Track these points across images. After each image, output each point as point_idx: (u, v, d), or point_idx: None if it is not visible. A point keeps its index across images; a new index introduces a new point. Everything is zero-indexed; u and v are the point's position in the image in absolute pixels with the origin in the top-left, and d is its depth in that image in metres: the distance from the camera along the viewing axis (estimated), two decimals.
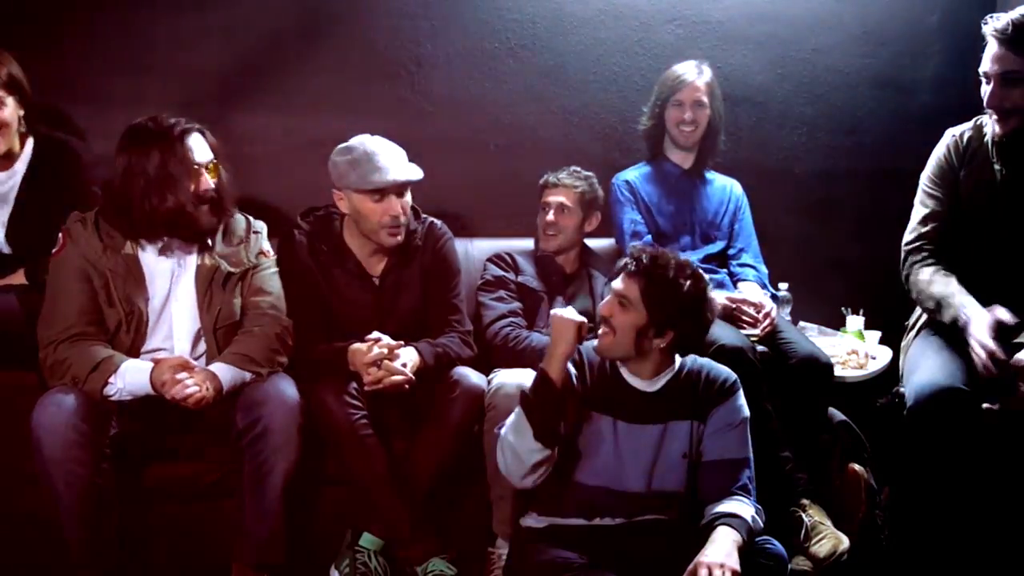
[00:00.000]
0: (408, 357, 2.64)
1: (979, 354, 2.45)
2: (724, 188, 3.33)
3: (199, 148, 2.55)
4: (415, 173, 2.76)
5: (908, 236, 2.76)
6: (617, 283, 2.30)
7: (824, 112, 3.70)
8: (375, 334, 2.64)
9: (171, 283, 2.59)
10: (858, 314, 3.40)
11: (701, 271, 2.33)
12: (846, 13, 3.66)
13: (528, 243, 3.19)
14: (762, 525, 2.27)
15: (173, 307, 2.59)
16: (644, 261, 2.26)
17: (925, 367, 2.59)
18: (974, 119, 2.72)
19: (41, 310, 2.53)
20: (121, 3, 3.21)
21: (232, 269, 2.65)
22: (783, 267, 3.38)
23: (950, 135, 2.74)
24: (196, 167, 2.53)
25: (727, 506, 2.26)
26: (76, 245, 2.53)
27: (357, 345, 2.63)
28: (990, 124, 2.63)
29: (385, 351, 2.60)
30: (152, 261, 2.59)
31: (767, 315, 3.01)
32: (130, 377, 2.43)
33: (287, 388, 2.52)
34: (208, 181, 2.55)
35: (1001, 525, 2.61)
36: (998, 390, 2.49)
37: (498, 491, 2.62)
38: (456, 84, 3.45)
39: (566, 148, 3.39)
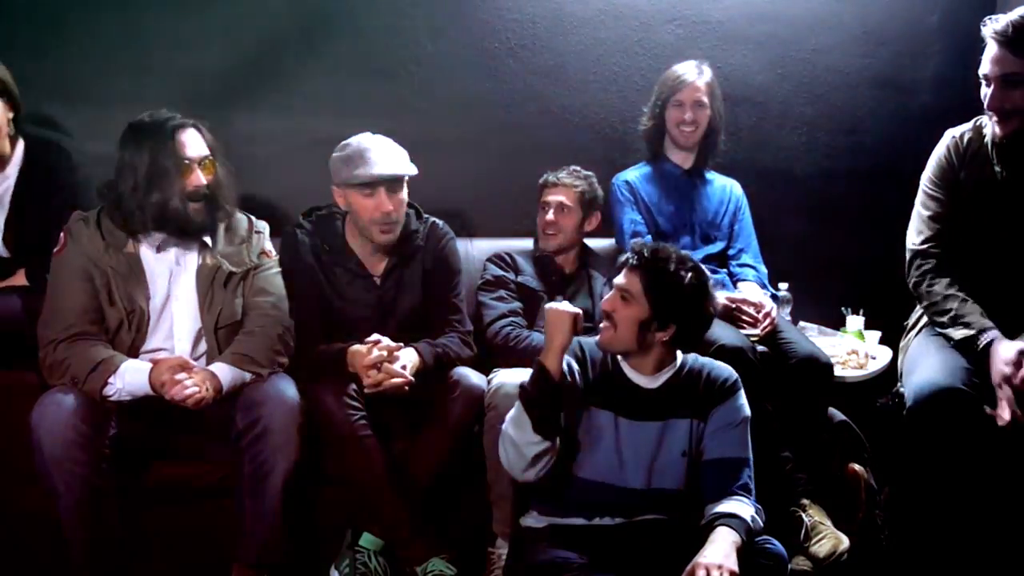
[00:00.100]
0: (408, 358, 2.64)
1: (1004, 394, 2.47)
2: (724, 188, 3.33)
3: (192, 144, 2.54)
4: (405, 169, 2.73)
5: (915, 239, 2.74)
6: (619, 278, 2.33)
7: (824, 112, 3.70)
8: (374, 336, 2.64)
9: (172, 282, 2.59)
10: (858, 314, 3.41)
11: (701, 265, 2.35)
12: (846, 13, 3.66)
13: (528, 243, 3.19)
14: (762, 525, 2.27)
15: (174, 306, 2.59)
16: (646, 255, 2.29)
17: (925, 367, 2.59)
18: (974, 120, 2.71)
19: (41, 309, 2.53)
20: (121, 3, 3.21)
21: (234, 269, 2.65)
22: (783, 267, 3.38)
23: (950, 136, 2.73)
24: (187, 162, 2.52)
25: (727, 506, 2.26)
26: (78, 244, 2.54)
27: (357, 347, 2.63)
28: (990, 125, 2.62)
29: (385, 354, 2.60)
30: (153, 260, 2.59)
31: (767, 315, 3.01)
32: (129, 377, 2.43)
33: (287, 388, 2.52)
34: (200, 177, 2.55)
35: (1001, 525, 2.60)
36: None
37: (498, 491, 2.62)
38: (456, 84, 3.45)
39: (566, 148, 3.38)
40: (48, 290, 2.55)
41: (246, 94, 3.31)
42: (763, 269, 3.29)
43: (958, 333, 2.59)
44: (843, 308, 3.45)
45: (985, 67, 2.52)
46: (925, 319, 2.78)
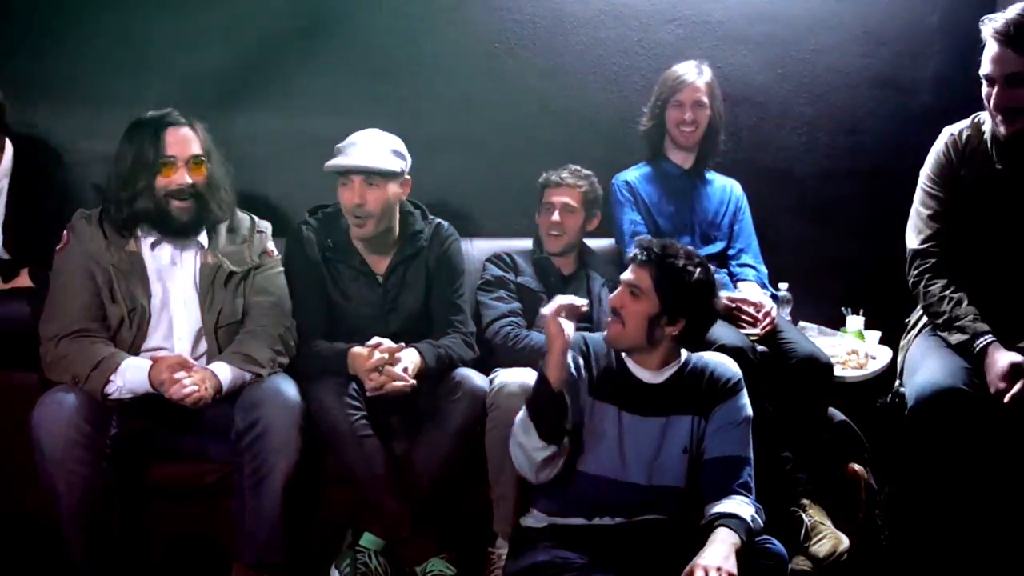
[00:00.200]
0: (409, 359, 2.64)
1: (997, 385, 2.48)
2: (724, 188, 3.33)
3: (178, 142, 2.55)
4: (376, 162, 2.70)
5: (914, 237, 2.73)
6: (627, 274, 2.35)
7: (824, 112, 3.70)
8: (375, 339, 2.64)
9: (170, 281, 2.60)
10: (858, 314, 3.41)
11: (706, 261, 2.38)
12: (846, 13, 3.65)
13: (527, 243, 3.18)
14: (762, 525, 2.27)
15: (173, 306, 2.60)
16: (655, 250, 2.32)
17: (926, 367, 2.59)
18: (972, 117, 2.70)
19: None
20: (121, 3, 3.21)
21: (235, 268, 2.65)
22: (783, 267, 3.38)
23: (948, 133, 2.72)
24: (170, 159, 2.53)
25: (727, 505, 2.27)
26: (79, 241, 2.54)
27: (358, 349, 2.63)
28: (989, 123, 2.62)
29: (386, 356, 2.60)
30: (155, 258, 2.60)
31: (767, 315, 3.01)
32: (130, 375, 2.44)
33: (287, 388, 2.53)
34: (184, 176, 2.54)
35: (1001, 525, 2.60)
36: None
37: (499, 491, 2.62)
38: (456, 84, 3.45)
39: (566, 148, 3.38)
40: (50, 287, 2.56)
41: (246, 94, 3.31)
42: (763, 269, 3.29)
43: (953, 338, 2.60)
44: (843, 308, 3.45)
45: (986, 67, 2.50)
46: (926, 318, 2.78)
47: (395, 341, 2.65)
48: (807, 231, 3.71)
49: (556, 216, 3.05)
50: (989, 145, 2.64)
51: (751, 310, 3.02)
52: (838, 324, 3.42)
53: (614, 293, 2.37)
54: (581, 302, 2.33)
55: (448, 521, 2.69)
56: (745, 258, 3.28)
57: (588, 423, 2.34)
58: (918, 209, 2.75)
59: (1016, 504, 2.60)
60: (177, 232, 2.59)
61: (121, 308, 2.53)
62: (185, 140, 2.56)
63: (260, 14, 3.30)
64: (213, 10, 3.25)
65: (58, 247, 2.57)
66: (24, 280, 2.79)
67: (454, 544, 2.64)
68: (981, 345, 2.53)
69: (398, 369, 2.59)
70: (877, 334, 3.36)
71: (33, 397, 2.39)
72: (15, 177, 2.79)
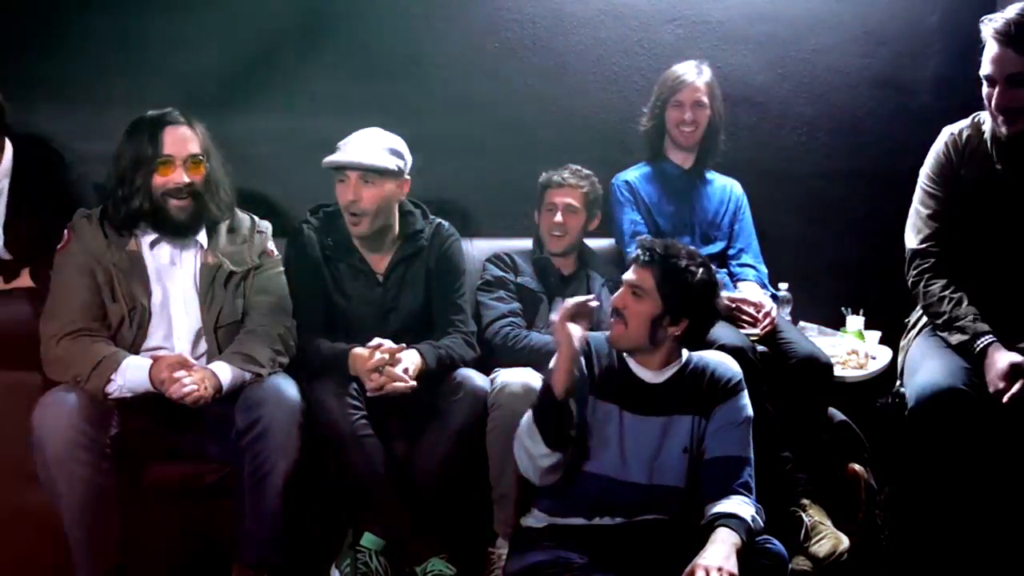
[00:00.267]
0: (410, 360, 2.64)
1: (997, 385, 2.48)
2: (724, 188, 3.33)
3: (176, 140, 2.55)
4: (368, 159, 2.69)
5: (914, 237, 2.73)
6: (629, 274, 2.35)
7: (824, 112, 3.70)
8: (376, 340, 2.63)
9: (169, 280, 2.60)
10: (858, 314, 3.41)
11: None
12: (846, 13, 3.65)
13: (527, 243, 3.18)
14: (762, 525, 2.27)
15: (173, 305, 2.60)
16: (658, 250, 2.32)
17: (926, 368, 2.59)
18: (972, 116, 2.70)
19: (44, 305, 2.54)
20: (120, 3, 3.21)
21: (235, 268, 2.65)
22: (783, 267, 3.38)
23: (948, 133, 2.71)
24: (167, 158, 2.53)
25: (727, 505, 2.27)
26: (81, 240, 2.55)
27: (359, 350, 2.63)
28: (989, 123, 2.61)
29: (387, 357, 2.59)
30: (155, 258, 2.60)
31: (767, 315, 3.01)
32: (130, 374, 2.44)
33: (287, 388, 2.52)
34: (181, 175, 2.55)
35: (1001, 525, 2.60)
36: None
37: (500, 490, 2.62)
38: (456, 84, 3.45)
39: (566, 148, 3.37)
40: (51, 286, 2.56)
41: (246, 94, 3.31)
42: (763, 269, 3.29)
43: (954, 338, 2.60)
44: (843, 308, 3.45)
45: (987, 68, 2.49)
46: (926, 319, 2.77)
47: (395, 340, 2.65)
48: (807, 231, 3.71)
49: (559, 217, 3.04)
50: (989, 145, 2.63)
51: (751, 310, 3.02)
52: (838, 324, 3.42)
53: (616, 294, 2.37)
54: (590, 299, 2.33)
55: (448, 521, 2.69)
56: (745, 258, 3.29)
57: (590, 422, 2.35)
58: (917, 209, 2.75)
59: (1016, 504, 2.60)
60: (175, 231, 2.59)
61: (121, 307, 2.53)
62: (183, 139, 2.56)
63: (260, 14, 3.30)
64: (213, 10, 3.25)
65: (59, 246, 2.57)
66: (25, 280, 2.79)
67: (454, 544, 2.64)
68: (981, 345, 2.52)
69: (398, 370, 2.59)
70: (877, 334, 3.36)
71: (35, 397, 2.39)
72: (15, 177, 2.79)
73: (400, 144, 2.80)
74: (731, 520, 2.22)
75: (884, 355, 3.22)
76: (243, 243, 2.71)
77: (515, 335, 2.88)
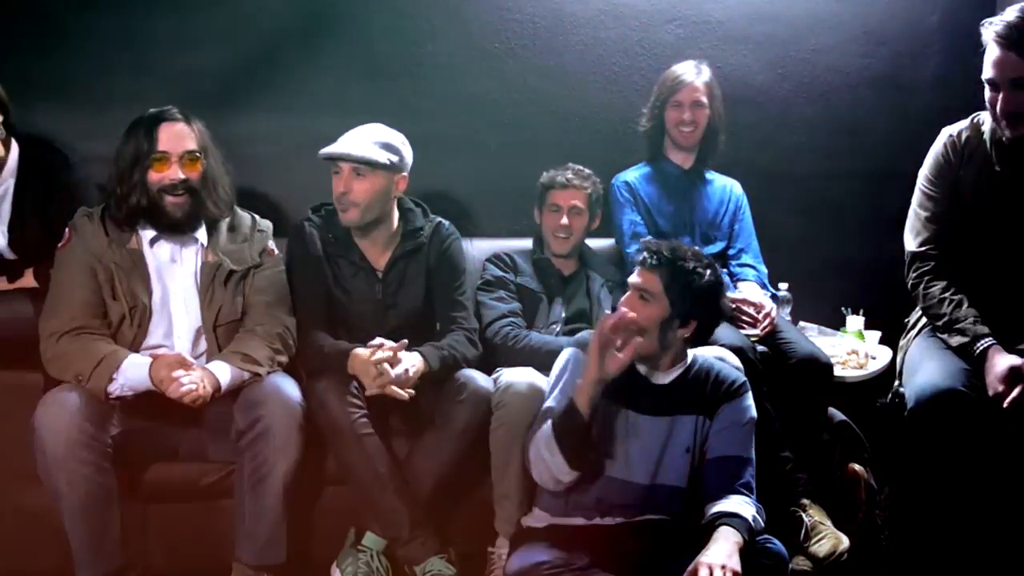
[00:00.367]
0: (411, 362, 2.63)
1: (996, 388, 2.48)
2: (724, 188, 3.33)
3: (172, 137, 2.55)
4: (357, 150, 2.70)
5: (912, 240, 2.73)
6: (635, 278, 2.34)
7: (824, 112, 3.70)
8: (377, 340, 2.63)
9: (169, 278, 2.60)
10: (858, 314, 3.41)
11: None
12: (846, 13, 3.65)
13: (527, 243, 3.18)
14: (763, 525, 2.28)
15: (173, 303, 2.60)
16: (664, 253, 2.31)
17: (926, 369, 2.59)
18: (972, 117, 2.69)
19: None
20: (121, 3, 3.21)
21: (235, 267, 2.65)
22: (783, 267, 3.38)
23: (947, 134, 2.70)
24: (163, 154, 2.53)
25: (729, 504, 2.27)
26: (81, 239, 2.55)
27: (360, 350, 2.62)
28: (988, 124, 2.61)
29: (389, 354, 2.59)
30: (155, 256, 2.60)
31: (767, 315, 3.01)
32: (131, 373, 2.44)
33: (287, 388, 2.52)
34: (177, 172, 2.55)
35: (1001, 525, 2.60)
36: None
37: (503, 490, 2.61)
38: (456, 84, 3.45)
39: (566, 148, 3.38)
40: (51, 284, 2.56)
41: (246, 94, 3.31)
42: (763, 269, 3.29)
43: (954, 340, 2.60)
44: (843, 308, 3.45)
45: (989, 72, 2.46)
46: (925, 319, 2.77)
47: (395, 336, 2.64)
48: (807, 231, 3.71)
49: (564, 220, 3.04)
50: (989, 146, 2.62)
51: (751, 310, 3.02)
52: (838, 324, 3.42)
53: (623, 298, 2.36)
54: (628, 314, 2.28)
55: (448, 521, 2.69)
56: (745, 258, 3.28)
57: (598, 423, 2.34)
58: (916, 211, 2.74)
59: (1016, 505, 2.60)
60: (172, 228, 2.60)
61: (122, 305, 2.53)
62: (179, 136, 2.56)
63: (260, 14, 3.30)
64: (214, 10, 3.25)
65: (60, 245, 2.58)
66: (29, 280, 2.79)
67: (454, 544, 2.64)
68: (981, 348, 2.52)
69: (399, 369, 2.58)
70: (877, 334, 3.36)
71: (36, 397, 2.39)
72: (20, 177, 2.80)
73: (396, 139, 2.80)
74: (733, 519, 2.22)
75: (884, 355, 3.22)
76: (243, 241, 2.71)
77: (515, 335, 2.88)
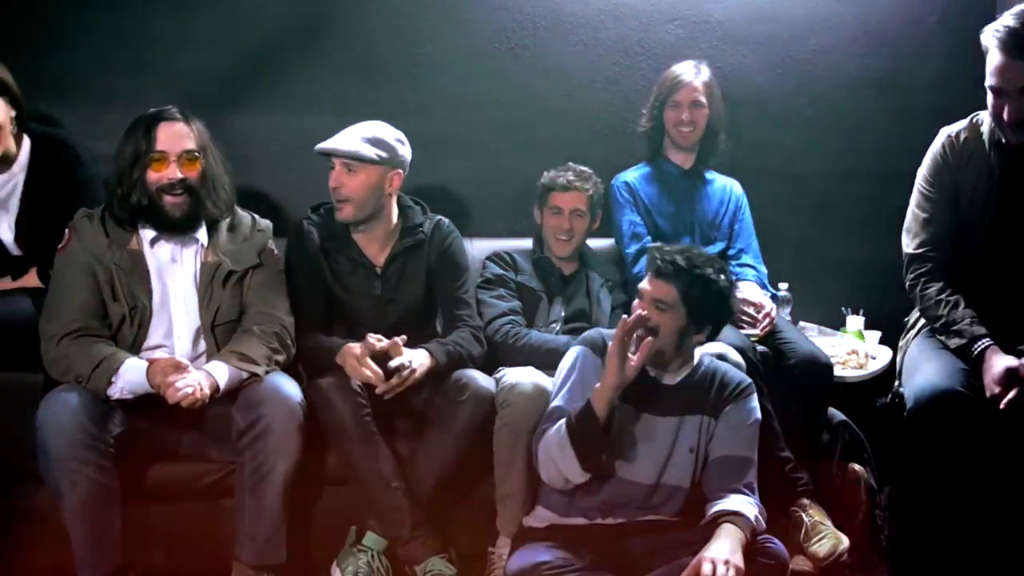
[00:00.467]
0: (418, 360, 2.63)
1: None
2: (724, 188, 3.33)
3: (170, 136, 2.55)
4: (347, 146, 2.72)
5: (910, 241, 2.72)
6: (647, 287, 2.32)
7: (824, 112, 3.70)
8: (373, 337, 2.63)
9: (169, 279, 2.60)
10: (858, 314, 3.41)
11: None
12: (846, 13, 3.65)
13: (527, 243, 3.18)
14: (764, 525, 2.28)
15: (173, 303, 2.60)
16: (680, 263, 2.28)
17: (925, 369, 2.59)
18: (970, 117, 2.68)
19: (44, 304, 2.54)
20: (121, 3, 3.21)
21: (234, 267, 2.65)
22: (783, 267, 3.38)
23: (945, 134, 2.70)
24: (161, 154, 2.54)
25: (732, 503, 2.27)
26: (81, 240, 2.55)
27: (351, 345, 2.62)
28: (987, 124, 2.60)
29: (385, 343, 2.58)
30: (155, 256, 2.60)
31: (767, 315, 3.01)
32: (129, 376, 2.44)
33: (287, 387, 2.52)
34: (175, 171, 2.55)
35: (1001, 525, 2.61)
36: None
37: (505, 489, 2.60)
38: (456, 84, 3.45)
39: (566, 148, 3.37)
40: (51, 285, 2.56)
41: (246, 94, 3.31)
42: (763, 269, 3.29)
43: (951, 341, 2.60)
44: (843, 308, 3.45)
45: (993, 79, 2.41)
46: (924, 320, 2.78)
47: (394, 332, 2.64)
48: (807, 231, 3.71)
49: (567, 223, 3.03)
50: (987, 147, 2.62)
51: (751, 310, 3.02)
52: (838, 324, 3.42)
53: (635, 304, 2.34)
54: (644, 315, 2.28)
55: (448, 520, 2.69)
56: (745, 258, 3.28)
57: (612, 425, 2.32)
58: (914, 212, 2.73)
59: (1015, 505, 2.60)
60: (172, 228, 2.60)
61: (122, 306, 2.54)
62: (178, 135, 2.56)
63: (260, 14, 3.30)
64: (213, 10, 3.25)
65: (60, 246, 2.58)
66: (32, 279, 2.79)
67: (454, 544, 2.64)
68: (979, 349, 2.52)
69: (398, 362, 2.58)
70: (877, 334, 3.36)
71: (37, 397, 2.39)
72: (30, 174, 2.80)
73: (389, 136, 2.80)
74: (736, 517, 2.23)
75: (884, 355, 3.22)
76: (243, 241, 2.71)
77: (515, 333, 2.88)
